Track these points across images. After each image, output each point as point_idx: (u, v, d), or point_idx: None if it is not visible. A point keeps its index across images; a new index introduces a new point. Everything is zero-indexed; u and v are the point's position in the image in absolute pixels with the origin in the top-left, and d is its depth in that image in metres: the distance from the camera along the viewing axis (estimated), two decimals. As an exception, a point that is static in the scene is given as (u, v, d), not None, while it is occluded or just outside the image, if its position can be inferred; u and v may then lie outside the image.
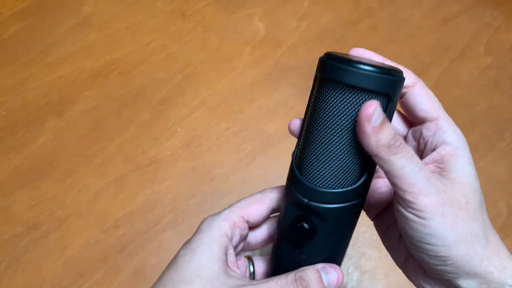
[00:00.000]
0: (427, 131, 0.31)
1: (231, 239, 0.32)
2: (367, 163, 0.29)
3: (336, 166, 0.28)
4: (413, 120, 0.33)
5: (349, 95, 0.27)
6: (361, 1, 0.70)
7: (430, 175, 0.27)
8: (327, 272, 0.30)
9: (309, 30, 0.67)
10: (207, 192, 0.55)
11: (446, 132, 0.30)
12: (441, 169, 0.30)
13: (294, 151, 0.31)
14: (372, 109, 0.26)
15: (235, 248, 0.33)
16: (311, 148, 0.29)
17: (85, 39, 0.65)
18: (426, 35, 0.68)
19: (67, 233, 0.52)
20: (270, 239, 0.36)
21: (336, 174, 0.29)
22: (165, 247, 0.52)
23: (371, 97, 0.27)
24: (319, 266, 0.30)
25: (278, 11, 0.69)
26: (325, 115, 0.28)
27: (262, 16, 0.68)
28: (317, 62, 0.29)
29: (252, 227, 0.34)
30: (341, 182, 0.29)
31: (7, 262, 0.50)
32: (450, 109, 0.66)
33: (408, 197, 0.27)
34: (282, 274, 0.30)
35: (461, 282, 0.28)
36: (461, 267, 0.28)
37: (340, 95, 0.27)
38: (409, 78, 0.32)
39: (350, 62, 0.27)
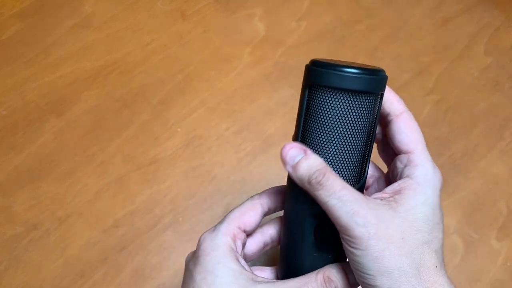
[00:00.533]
0: (400, 162, 0.32)
1: (237, 252, 0.32)
2: (366, 156, 0.31)
3: (348, 167, 0.30)
4: (392, 149, 0.33)
5: (348, 99, 0.28)
6: (361, 1, 0.70)
7: (358, 210, 0.27)
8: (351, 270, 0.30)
9: (309, 30, 0.67)
10: (207, 192, 0.55)
11: (414, 167, 0.30)
12: (394, 200, 0.29)
13: None
14: (286, 150, 0.29)
15: None
16: (323, 157, 0.30)
17: (85, 39, 0.65)
18: (426, 35, 0.68)
19: (67, 233, 0.52)
20: (264, 246, 0.36)
21: (350, 174, 0.30)
22: (165, 247, 0.52)
23: (368, 97, 0.29)
24: (344, 264, 0.31)
25: (278, 11, 0.69)
26: (329, 122, 0.29)
27: (262, 16, 0.68)
28: None
29: (247, 235, 0.34)
30: (355, 180, 0.31)
31: (7, 262, 0.50)
32: (450, 109, 0.66)
33: (338, 228, 0.28)
34: (309, 274, 0.30)
35: None
36: None
37: (342, 101, 0.28)
38: (399, 107, 0.32)
39: (343, 67, 0.28)
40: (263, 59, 0.64)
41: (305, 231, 0.31)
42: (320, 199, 0.28)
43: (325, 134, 0.29)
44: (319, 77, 0.29)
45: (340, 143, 0.29)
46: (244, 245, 0.34)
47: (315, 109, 0.30)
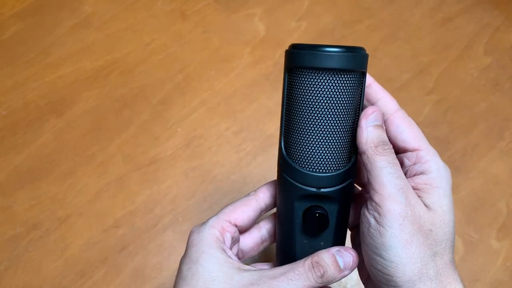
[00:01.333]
0: (408, 160, 0.32)
1: (224, 243, 0.32)
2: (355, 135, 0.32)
3: (336, 149, 0.30)
4: (394, 149, 0.32)
5: (329, 78, 0.28)
6: (361, 1, 0.70)
7: (407, 188, 0.28)
8: (342, 255, 0.30)
9: (309, 30, 0.67)
10: (207, 192, 0.55)
11: (426, 163, 0.30)
12: (418, 195, 0.30)
13: (282, 151, 0.32)
14: (371, 111, 0.29)
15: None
16: (310, 141, 0.30)
17: (85, 39, 0.65)
18: (426, 35, 0.68)
19: (67, 233, 0.52)
20: (262, 242, 0.36)
21: (337, 156, 0.30)
22: (165, 247, 0.52)
23: (350, 75, 0.29)
24: (334, 250, 0.31)
25: (278, 11, 0.69)
26: (314, 105, 0.29)
27: (262, 16, 0.68)
28: None
29: (243, 231, 0.34)
30: (343, 162, 0.31)
31: (7, 262, 0.50)
32: (450, 109, 0.66)
33: (376, 198, 0.28)
34: (298, 261, 0.30)
35: None
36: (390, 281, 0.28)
37: (323, 80, 0.29)
38: (391, 105, 0.32)
39: (323, 47, 0.28)
40: (263, 59, 0.64)
41: (295, 216, 0.31)
42: (377, 162, 0.28)
43: (310, 116, 0.29)
44: (299, 59, 0.29)
45: (327, 124, 0.29)
46: (236, 239, 0.34)
47: (297, 92, 0.30)
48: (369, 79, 0.32)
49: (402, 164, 0.32)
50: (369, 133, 0.29)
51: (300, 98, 0.30)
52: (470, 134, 0.60)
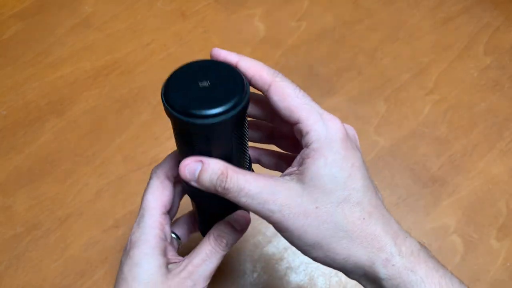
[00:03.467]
0: (297, 134, 0.30)
1: (165, 239, 0.33)
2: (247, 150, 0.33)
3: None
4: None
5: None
6: (361, 1, 0.70)
7: (268, 197, 0.27)
8: (236, 220, 0.33)
9: (309, 30, 0.67)
10: (207, 192, 0.55)
11: (306, 135, 0.29)
12: (299, 171, 0.29)
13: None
14: (183, 168, 0.28)
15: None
16: None
17: (86, 39, 0.65)
18: (426, 35, 0.68)
19: (68, 233, 0.52)
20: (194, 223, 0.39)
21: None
22: (165, 247, 0.52)
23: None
24: (231, 218, 0.33)
25: (278, 11, 0.69)
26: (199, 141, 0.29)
27: (262, 16, 0.68)
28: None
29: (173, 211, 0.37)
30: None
31: (8, 262, 0.51)
32: (449, 109, 0.66)
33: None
34: (202, 241, 0.33)
35: (361, 281, 0.30)
36: (343, 269, 0.29)
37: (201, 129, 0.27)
38: (265, 79, 0.30)
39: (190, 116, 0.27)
40: (263, 59, 0.64)
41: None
42: (233, 201, 0.28)
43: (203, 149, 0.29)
44: (181, 108, 0.28)
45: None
46: (172, 219, 0.36)
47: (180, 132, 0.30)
48: (235, 58, 0.31)
49: (298, 137, 0.30)
50: (202, 185, 0.29)
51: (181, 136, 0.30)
52: (470, 134, 0.60)
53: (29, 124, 0.59)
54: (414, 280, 0.28)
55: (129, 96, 0.61)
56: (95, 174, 0.55)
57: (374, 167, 0.57)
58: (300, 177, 0.28)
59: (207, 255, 0.32)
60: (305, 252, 0.29)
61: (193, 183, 0.29)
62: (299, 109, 0.29)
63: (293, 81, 0.31)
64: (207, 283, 0.33)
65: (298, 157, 0.30)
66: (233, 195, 0.28)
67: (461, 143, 0.59)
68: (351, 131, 0.32)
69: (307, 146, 0.29)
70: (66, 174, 0.55)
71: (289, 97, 0.29)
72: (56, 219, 0.53)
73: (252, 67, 0.30)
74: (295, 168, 0.29)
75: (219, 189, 0.28)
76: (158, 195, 0.33)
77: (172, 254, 0.34)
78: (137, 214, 0.34)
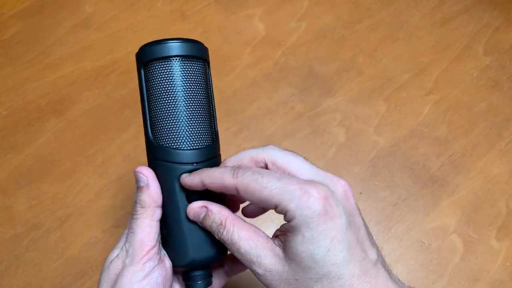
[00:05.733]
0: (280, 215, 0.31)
1: (167, 277, 0.34)
2: (213, 118, 0.36)
3: (201, 125, 0.34)
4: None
5: (178, 63, 0.35)
6: (361, 2, 0.70)
7: (258, 260, 0.30)
8: (140, 179, 0.35)
9: (309, 30, 0.67)
10: (207, 192, 0.55)
11: (285, 215, 0.29)
12: (285, 241, 0.30)
13: (151, 140, 0.35)
14: (189, 210, 0.33)
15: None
16: (179, 121, 0.34)
17: (86, 39, 0.65)
18: (426, 35, 0.68)
19: (68, 233, 0.52)
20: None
21: (204, 132, 0.35)
22: (165, 247, 0.52)
23: (194, 61, 0.35)
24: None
25: (278, 11, 0.69)
26: (168, 87, 0.34)
27: (262, 16, 0.68)
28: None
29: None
30: (209, 139, 0.35)
31: (8, 261, 0.51)
32: (449, 109, 0.66)
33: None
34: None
35: None
36: None
37: (173, 66, 0.34)
38: (227, 186, 0.31)
39: (166, 40, 0.36)
40: (263, 59, 0.64)
41: (179, 199, 0.34)
42: (228, 247, 0.31)
43: (170, 100, 0.34)
44: (150, 53, 0.35)
45: (186, 104, 0.34)
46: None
47: (153, 82, 0.34)
48: (234, 160, 0.34)
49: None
50: (205, 227, 0.33)
51: (158, 86, 0.34)
52: (469, 134, 0.60)
53: (29, 124, 0.59)
54: None
55: (129, 96, 0.61)
56: (95, 174, 0.55)
57: (374, 167, 0.57)
58: (284, 248, 0.30)
59: (130, 226, 0.34)
60: None
61: (199, 223, 0.33)
62: (269, 197, 0.29)
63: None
64: (148, 251, 0.33)
65: (282, 226, 0.31)
66: (228, 246, 0.31)
67: (461, 143, 0.59)
68: (342, 188, 0.31)
69: (287, 221, 0.30)
70: (66, 174, 0.56)
71: (257, 192, 0.30)
72: (56, 219, 0.53)
73: (214, 181, 0.32)
74: (281, 232, 0.31)
75: (216, 236, 0.32)
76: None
77: None
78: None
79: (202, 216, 0.32)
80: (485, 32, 0.68)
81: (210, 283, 0.35)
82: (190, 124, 0.34)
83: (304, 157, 0.33)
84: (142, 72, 0.36)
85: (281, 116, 0.60)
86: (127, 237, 0.34)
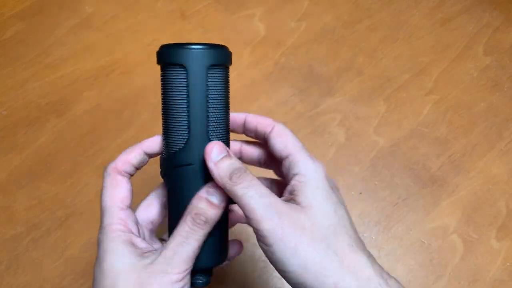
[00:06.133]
0: (284, 168, 0.34)
1: (132, 231, 0.33)
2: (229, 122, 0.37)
3: (217, 130, 0.34)
4: (277, 159, 0.35)
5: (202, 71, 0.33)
6: (361, 2, 0.70)
7: (273, 201, 0.29)
8: (212, 193, 0.32)
9: (309, 30, 0.67)
10: (207, 192, 0.55)
11: (296, 164, 0.32)
12: (293, 196, 0.31)
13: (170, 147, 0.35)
14: (210, 148, 0.31)
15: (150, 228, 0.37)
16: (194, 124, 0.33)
17: (86, 40, 0.65)
18: (426, 35, 0.68)
19: (68, 233, 0.52)
20: (165, 207, 0.39)
21: (219, 135, 0.34)
22: (165, 247, 0.52)
23: (218, 69, 0.35)
24: (202, 193, 0.32)
25: (278, 11, 0.69)
26: (188, 92, 0.33)
27: (262, 16, 0.68)
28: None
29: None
30: (225, 142, 0.34)
31: (8, 261, 0.51)
32: (449, 109, 0.66)
33: (253, 224, 0.29)
34: (179, 223, 0.32)
35: None
36: None
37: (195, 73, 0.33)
38: (267, 122, 0.35)
39: (182, 45, 0.33)
40: (263, 59, 0.64)
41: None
42: (237, 192, 0.29)
43: (195, 103, 0.33)
44: (171, 57, 0.34)
45: (208, 108, 0.34)
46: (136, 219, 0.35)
47: (173, 88, 0.34)
48: (242, 115, 0.38)
49: (284, 173, 0.34)
50: (218, 169, 0.30)
51: (173, 89, 0.34)
52: (469, 134, 0.60)
53: (30, 124, 0.59)
54: None
55: (129, 96, 0.61)
56: (95, 174, 0.55)
57: (374, 167, 0.57)
58: (294, 200, 0.31)
59: (185, 236, 0.31)
60: (294, 277, 0.29)
61: (211, 164, 0.31)
62: (293, 145, 0.33)
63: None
64: (190, 265, 0.31)
65: (289, 187, 0.32)
66: (243, 186, 0.30)
67: (461, 143, 0.59)
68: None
69: (296, 174, 0.32)
70: (67, 174, 0.56)
71: (287, 136, 0.34)
72: (56, 219, 0.53)
73: (255, 117, 0.37)
74: (286, 197, 0.32)
75: (234, 177, 0.30)
76: (112, 192, 0.34)
77: (146, 245, 0.33)
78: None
79: (222, 155, 0.31)
80: (485, 32, 0.68)
81: (209, 281, 0.35)
82: (207, 130, 0.34)
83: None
84: (162, 73, 0.36)
85: (281, 116, 0.60)
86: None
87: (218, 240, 0.35)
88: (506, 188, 0.56)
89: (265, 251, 0.30)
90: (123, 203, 0.34)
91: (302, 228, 0.29)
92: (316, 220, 0.29)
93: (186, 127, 0.34)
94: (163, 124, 0.36)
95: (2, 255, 0.51)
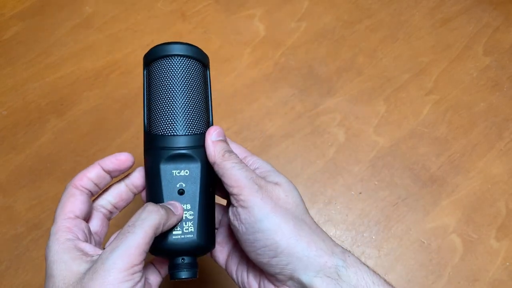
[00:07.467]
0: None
1: (78, 238, 0.33)
2: (210, 110, 0.39)
3: (195, 113, 0.37)
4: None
5: (178, 60, 0.38)
6: (361, 2, 0.70)
7: (254, 176, 0.34)
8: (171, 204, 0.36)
9: (309, 31, 0.67)
10: (207, 192, 0.55)
11: (253, 164, 0.37)
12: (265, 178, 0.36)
13: (146, 130, 0.39)
14: (213, 129, 0.36)
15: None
16: (174, 108, 0.37)
17: (86, 40, 0.65)
18: (425, 35, 0.68)
19: (68, 233, 0.52)
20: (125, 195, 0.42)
21: (196, 120, 0.37)
22: (165, 247, 0.52)
23: (193, 61, 0.38)
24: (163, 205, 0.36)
25: (278, 11, 0.69)
26: (170, 80, 0.38)
27: (262, 16, 0.68)
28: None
29: (87, 217, 0.38)
30: (201, 127, 0.37)
31: (8, 261, 0.51)
32: (449, 109, 0.66)
33: (235, 191, 0.33)
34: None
35: (300, 274, 0.31)
36: (292, 254, 0.31)
37: (174, 61, 0.38)
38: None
39: (170, 43, 0.39)
40: (263, 59, 0.65)
41: (162, 181, 0.38)
42: (227, 165, 0.34)
43: (167, 89, 0.37)
44: (154, 54, 0.39)
45: (183, 95, 0.37)
46: (87, 227, 0.36)
47: (156, 76, 0.38)
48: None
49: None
50: (215, 146, 0.35)
51: (158, 81, 0.38)
52: (469, 134, 0.60)
53: (30, 124, 0.59)
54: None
55: (130, 96, 0.61)
56: (95, 174, 0.56)
57: (374, 167, 0.57)
58: (268, 180, 0.36)
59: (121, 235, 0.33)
60: (265, 238, 0.32)
61: (209, 141, 0.36)
62: (243, 152, 0.39)
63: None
64: (135, 262, 0.31)
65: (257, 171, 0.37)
66: (232, 160, 0.34)
67: (461, 143, 0.59)
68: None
69: (257, 168, 0.37)
70: (67, 174, 0.56)
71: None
72: (56, 219, 0.53)
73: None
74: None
75: (226, 154, 0.35)
76: (64, 203, 0.35)
77: (94, 250, 0.33)
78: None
79: (220, 138, 0.36)
80: (485, 32, 0.68)
81: (195, 274, 0.35)
82: (185, 111, 0.36)
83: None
84: (145, 71, 0.40)
85: (281, 116, 0.60)
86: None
87: (204, 223, 0.36)
88: (505, 188, 0.56)
89: (242, 217, 0.33)
90: (73, 213, 0.35)
91: (277, 198, 0.33)
92: (288, 193, 0.34)
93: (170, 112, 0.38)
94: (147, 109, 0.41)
95: (2, 255, 0.51)
